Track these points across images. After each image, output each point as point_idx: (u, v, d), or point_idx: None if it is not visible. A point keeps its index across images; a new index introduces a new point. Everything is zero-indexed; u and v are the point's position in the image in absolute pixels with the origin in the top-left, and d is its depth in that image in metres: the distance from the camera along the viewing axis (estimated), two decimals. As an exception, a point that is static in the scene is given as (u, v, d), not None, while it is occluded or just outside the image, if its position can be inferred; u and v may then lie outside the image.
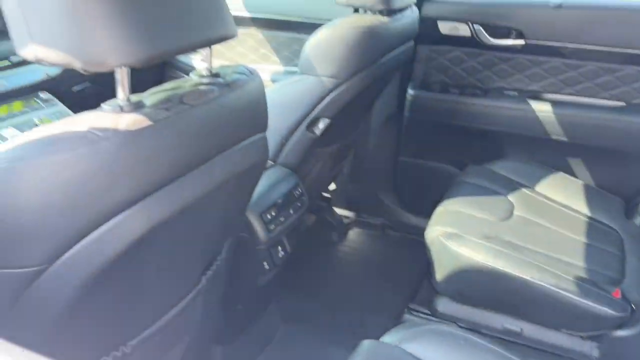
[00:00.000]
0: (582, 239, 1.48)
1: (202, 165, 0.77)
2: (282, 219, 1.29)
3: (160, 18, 0.66)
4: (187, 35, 0.70)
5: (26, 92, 1.53)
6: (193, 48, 0.72)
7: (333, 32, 1.35)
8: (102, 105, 0.67)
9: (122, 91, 0.66)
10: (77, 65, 0.61)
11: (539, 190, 1.68)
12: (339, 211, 2.18)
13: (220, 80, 0.82)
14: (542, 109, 1.77)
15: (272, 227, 1.25)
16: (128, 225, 0.67)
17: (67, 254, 0.63)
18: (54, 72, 1.59)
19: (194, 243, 0.92)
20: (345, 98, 1.39)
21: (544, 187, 1.70)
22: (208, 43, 0.76)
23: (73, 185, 0.61)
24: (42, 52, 0.61)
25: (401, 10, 1.51)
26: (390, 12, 1.44)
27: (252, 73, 0.89)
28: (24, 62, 1.58)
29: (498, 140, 1.88)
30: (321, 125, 1.41)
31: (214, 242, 1.02)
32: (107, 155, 0.63)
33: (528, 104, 1.78)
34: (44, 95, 1.54)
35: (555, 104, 1.76)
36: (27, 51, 0.61)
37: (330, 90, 1.36)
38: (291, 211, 1.33)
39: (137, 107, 0.67)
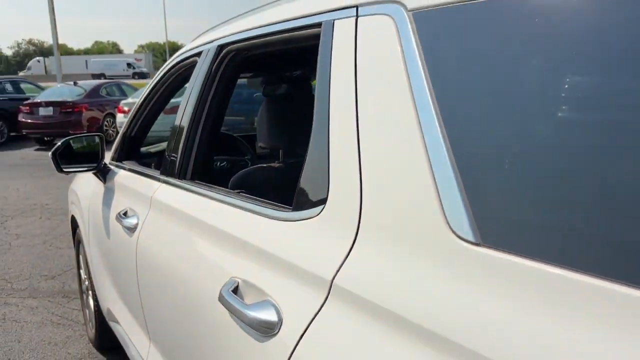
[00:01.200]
0: None
1: None
2: None
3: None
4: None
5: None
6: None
7: None
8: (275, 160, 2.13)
9: (281, 155, 2.04)
10: (266, 147, 1.92)
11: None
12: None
13: None
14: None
15: None
16: None
17: None
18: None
19: None
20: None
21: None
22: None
23: (265, 177, 1.92)
24: (261, 144, 2.02)
25: None
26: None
27: None
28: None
29: None
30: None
31: None
32: (270, 172, 1.96)
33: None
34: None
35: None
36: (260, 143, 2.05)
37: None
38: None
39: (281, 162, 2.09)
